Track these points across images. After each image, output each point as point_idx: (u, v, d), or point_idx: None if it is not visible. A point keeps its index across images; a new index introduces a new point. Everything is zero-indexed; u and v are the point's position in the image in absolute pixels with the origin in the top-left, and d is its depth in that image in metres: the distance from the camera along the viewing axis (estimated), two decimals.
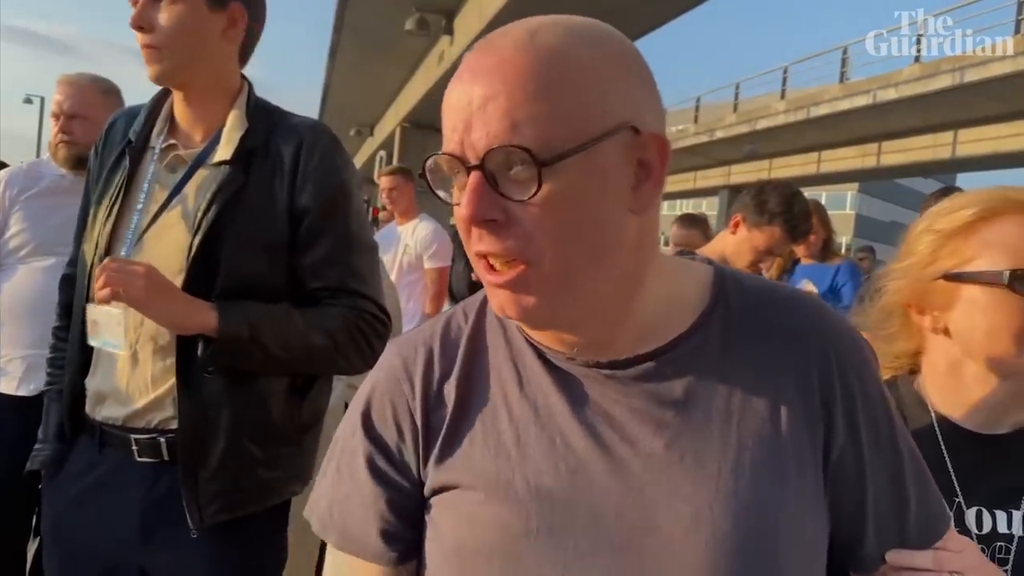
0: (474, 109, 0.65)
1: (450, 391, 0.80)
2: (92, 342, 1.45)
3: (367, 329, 1.51)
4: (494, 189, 0.66)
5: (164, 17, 1.42)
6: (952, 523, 0.85)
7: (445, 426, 0.79)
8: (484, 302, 0.85)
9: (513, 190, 0.65)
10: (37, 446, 1.59)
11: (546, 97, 0.64)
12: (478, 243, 0.69)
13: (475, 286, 5.82)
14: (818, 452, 0.75)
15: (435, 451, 0.78)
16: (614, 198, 0.68)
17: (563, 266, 0.68)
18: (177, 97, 1.53)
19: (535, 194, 0.65)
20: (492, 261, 0.69)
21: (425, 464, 0.79)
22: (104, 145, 1.59)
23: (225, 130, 1.48)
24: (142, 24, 1.42)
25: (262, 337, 1.40)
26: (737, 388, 0.75)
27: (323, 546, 2.33)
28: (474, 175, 0.66)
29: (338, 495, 0.83)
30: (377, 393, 0.84)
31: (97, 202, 1.52)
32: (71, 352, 1.52)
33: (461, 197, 0.67)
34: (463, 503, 0.76)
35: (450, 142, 0.67)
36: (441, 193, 0.71)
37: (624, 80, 0.69)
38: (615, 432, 0.74)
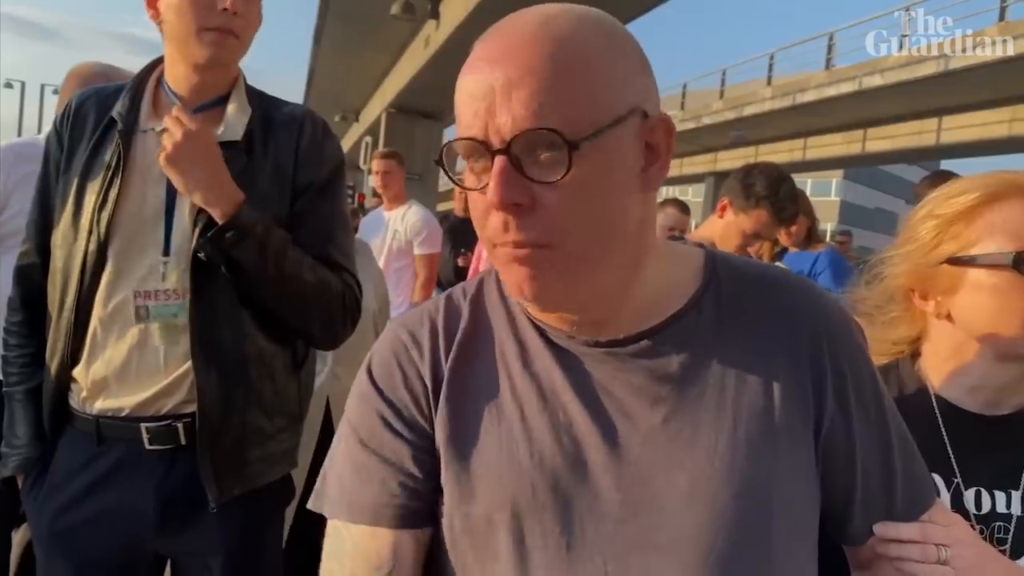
0: (498, 95, 0.66)
1: (455, 364, 0.81)
2: (151, 323, 1.42)
3: (347, 304, 1.56)
4: (520, 173, 0.67)
5: (247, 9, 1.45)
6: (936, 497, 0.87)
7: (450, 399, 0.80)
8: (482, 282, 0.86)
9: (539, 173, 0.67)
10: (6, 450, 1.52)
11: (569, 82, 0.66)
12: (501, 233, 0.69)
13: (460, 272, 5.83)
14: (809, 426, 0.78)
15: (442, 422, 0.79)
16: (627, 180, 0.71)
17: (584, 248, 0.70)
18: (190, 77, 1.49)
19: (565, 176, 0.66)
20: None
21: (436, 430, 0.80)
22: (72, 125, 1.51)
23: (230, 113, 1.50)
24: (237, 10, 1.42)
25: (268, 241, 1.41)
26: (731, 364, 0.77)
27: (295, 522, 2.31)
28: (499, 159, 0.67)
29: (347, 467, 0.82)
30: (384, 358, 0.84)
31: (79, 187, 1.46)
32: (57, 344, 1.47)
33: (482, 182, 0.69)
34: (469, 475, 0.77)
35: (471, 128, 0.68)
36: (456, 178, 0.72)
37: (631, 66, 0.71)
38: (614, 408, 0.76)
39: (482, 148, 0.68)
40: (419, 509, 0.80)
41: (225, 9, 1.40)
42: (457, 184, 0.73)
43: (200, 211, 1.41)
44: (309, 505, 0.86)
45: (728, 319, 0.79)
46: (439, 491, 0.80)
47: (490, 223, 0.70)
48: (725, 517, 0.73)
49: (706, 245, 0.88)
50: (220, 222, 1.38)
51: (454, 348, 0.82)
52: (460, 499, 0.78)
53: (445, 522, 0.79)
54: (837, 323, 0.82)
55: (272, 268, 1.42)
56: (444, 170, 0.73)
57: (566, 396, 0.77)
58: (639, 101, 0.70)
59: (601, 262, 0.71)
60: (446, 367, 0.81)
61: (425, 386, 0.81)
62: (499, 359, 0.81)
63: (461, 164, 0.73)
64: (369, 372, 0.84)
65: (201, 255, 1.39)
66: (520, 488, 0.75)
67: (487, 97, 0.67)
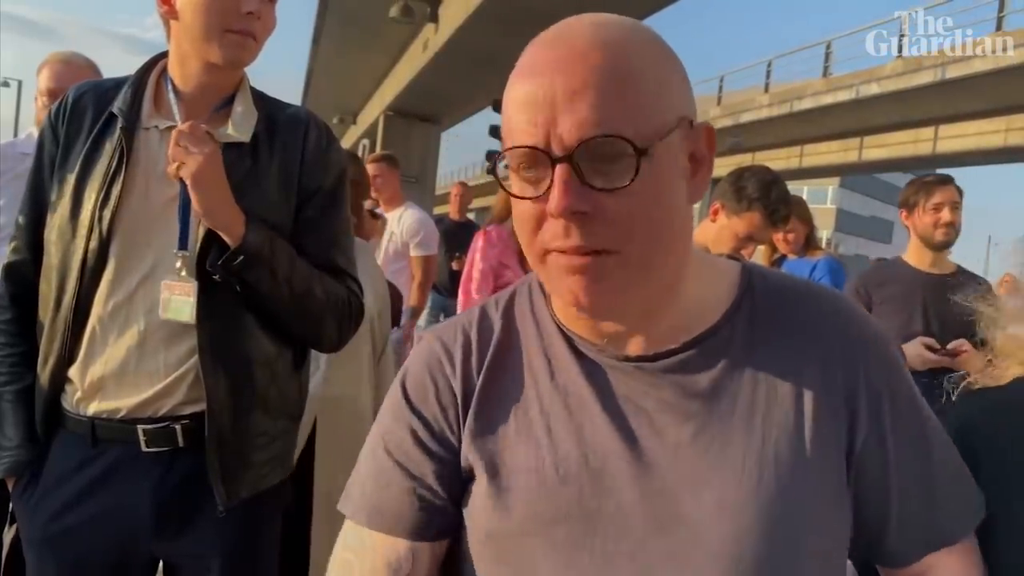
0: (560, 101, 0.66)
1: (486, 378, 0.81)
2: (164, 316, 1.39)
3: (353, 310, 1.57)
4: (581, 180, 0.67)
5: (267, 12, 1.45)
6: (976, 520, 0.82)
7: (480, 412, 0.80)
8: (515, 293, 0.87)
9: (602, 180, 0.67)
10: None
11: (629, 89, 0.67)
12: (563, 239, 0.68)
13: (454, 276, 5.82)
14: (841, 446, 0.76)
15: (470, 433, 0.80)
16: (679, 189, 0.72)
17: (644, 255, 0.70)
18: (198, 76, 1.47)
19: (632, 182, 0.66)
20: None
21: (463, 442, 0.80)
22: (69, 120, 1.47)
23: (238, 114, 1.49)
24: (261, 15, 1.42)
25: (276, 262, 1.42)
26: (762, 381, 0.76)
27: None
28: (562, 167, 0.66)
29: (372, 472, 0.84)
30: (418, 370, 0.85)
31: (77, 183, 1.43)
32: (53, 343, 1.44)
33: (538, 190, 0.68)
34: (495, 488, 0.78)
35: (530, 136, 0.67)
36: (510, 188, 0.71)
37: (677, 75, 0.72)
38: (643, 422, 0.76)
39: (543, 156, 0.67)
40: (437, 523, 0.82)
41: (250, 12, 1.40)
42: (508, 192, 0.71)
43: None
44: (339, 506, 0.87)
45: (761, 335, 0.78)
46: (462, 504, 0.81)
47: (547, 230, 0.69)
48: (753, 535, 0.72)
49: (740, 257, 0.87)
50: (232, 246, 1.38)
51: (486, 362, 0.82)
52: (487, 512, 0.78)
53: (470, 535, 0.80)
54: (872, 340, 0.80)
55: (283, 286, 1.43)
56: (496, 178, 0.74)
57: (593, 410, 0.77)
58: (686, 110, 0.71)
59: (658, 269, 0.72)
60: (478, 381, 0.81)
61: (455, 399, 0.82)
62: (527, 372, 0.81)
63: (504, 171, 0.73)
64: (403, 384, 0.85)
65: (216, 277, 1.39)
66: (546, 503, 0.75)
67: (547, 105, 0.66)
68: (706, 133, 0.73)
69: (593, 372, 0.78)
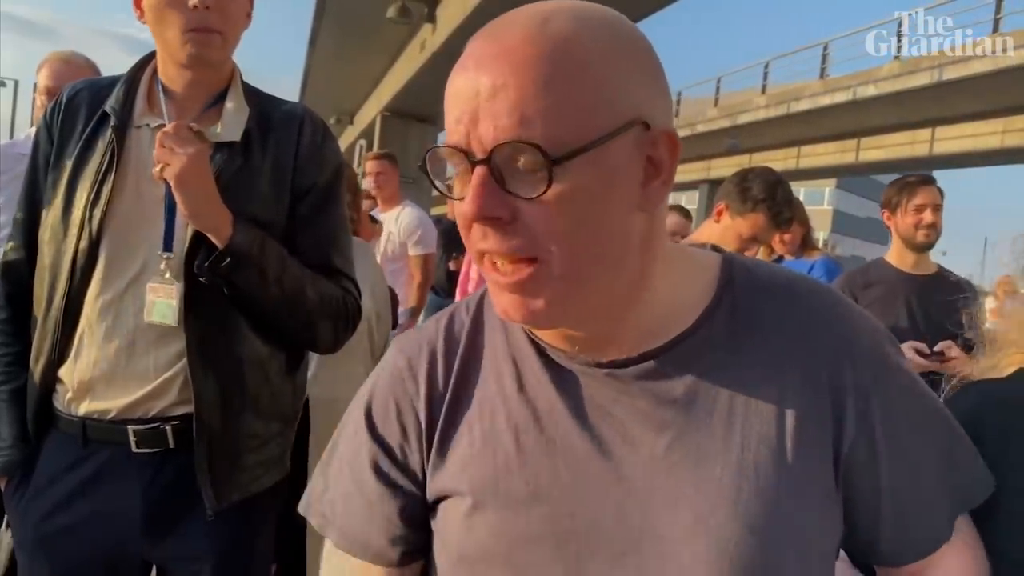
0: (481, 100, 0.62)
1: (453, 392, 0.78)
2: (148, 319, 1.38)
3: (349, 311, 1.55)
4: (500, 185, 0.63)
5: (225, 4, 1.41)
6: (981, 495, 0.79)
7: (445, 429, 0.77)
8: (483, 297, 0.83)
9: (520, 187, 0.62)
10: None
11: (557, 91, 0.61)
12: (481, 241, 0.65)
13: (452, 276, 5.79)
14: (827, 450, 0.72)
15: (437, 455, 0.77)
16: (623, 196, 0.66)
17: (571, 266, 0.65)
18: (181, 75, 1.46)
19: (544, 192, 0.62)
20: (495, 260, 0.66)
21: (428, 466, 0.78)
22: (63, 118, 1.47)
23: (228, 112, 1.47)
24: (208, 5, 1.38)
25: (266, 263, 1.40)
26: (741, 387, 0.72)
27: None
28: (479, 170, 0.63)
29: (339, 492, 0.82)
30: (381, 392, 0.82)
31: (69, 182, 1.42)
32: (43, 343, 1.43)
33: (464, 191, 0.64)
34: (463, 508, 0.75)
35: (454, 134, 0.64)
36: (440, 185, 0.68)
37: (635, 74, 0.66)
38: (616, 433, 0.72)
39: (464, 156, 0.64)
40: (404, 549, 0.81)
41: (195, 7, 1.37)
42: (441, 191, 0.68)
43: None
44: (299, 509, 0.86)
45: (742, 334, 0.73)
46: (432, 520, 0.79)
47: (473, 232, 0.66)
48: (730, 552, 0.68)
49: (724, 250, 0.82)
50: (220, 247, 1.36)
51: (452, 375, 0.79)
52: (457, 535, 0.76)
53: (442, 556, 0.78)
54: (862, 337, 0.75)
55: (273, 288, 1.42)
56: (428, 176, 0.69)
57: (564, 421, 0.73)
58: (640, 112, 0.65)
59: (594, 280, 0.67)
60: (444, 396, 0.78)
61: (419, 421, 0.79)
62: (494, 383, 0.77)
63: (452, 169, 0.69)
64: (367, 405, 0.82)
65: (202, 279, 1.37)
66: (515, 521, 0.72)
67: (471, 102, 0.63)
68: (666, 138, 0.67)
69: (564, 380, 0.74)
